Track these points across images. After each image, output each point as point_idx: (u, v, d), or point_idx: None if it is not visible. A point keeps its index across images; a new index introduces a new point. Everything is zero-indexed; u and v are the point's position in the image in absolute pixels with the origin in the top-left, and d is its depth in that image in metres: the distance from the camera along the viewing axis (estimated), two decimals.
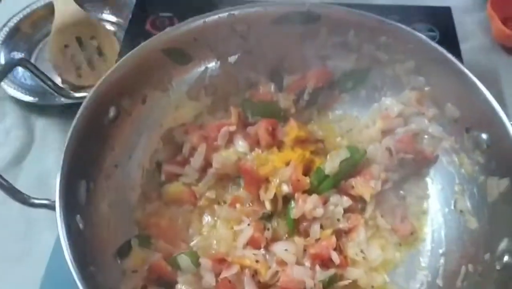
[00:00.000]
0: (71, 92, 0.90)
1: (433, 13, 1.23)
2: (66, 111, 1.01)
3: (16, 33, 1.28)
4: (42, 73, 0.87)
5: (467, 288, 0.81)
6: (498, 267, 0.76)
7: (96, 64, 1.23)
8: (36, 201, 0.78)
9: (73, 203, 0.79)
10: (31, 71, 0.85)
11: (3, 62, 1.22)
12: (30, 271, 0.94)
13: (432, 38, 1.05)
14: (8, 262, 0.97)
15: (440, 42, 0.95)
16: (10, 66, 0.91)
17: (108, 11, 1.35)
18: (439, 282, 0.86)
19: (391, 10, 1.10)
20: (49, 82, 0.87)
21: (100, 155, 0.90)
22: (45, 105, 1.16)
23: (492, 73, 1.21)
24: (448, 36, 1.18)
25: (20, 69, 1.15)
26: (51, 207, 0.76)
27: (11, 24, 1.28)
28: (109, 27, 1.32)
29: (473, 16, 1.33)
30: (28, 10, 1.30)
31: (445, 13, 1.24)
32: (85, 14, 1.20)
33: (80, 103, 0.84)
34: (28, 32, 1.30)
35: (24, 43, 1.29)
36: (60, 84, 1.21)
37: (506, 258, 0.75)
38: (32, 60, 1.29)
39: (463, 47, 1.16)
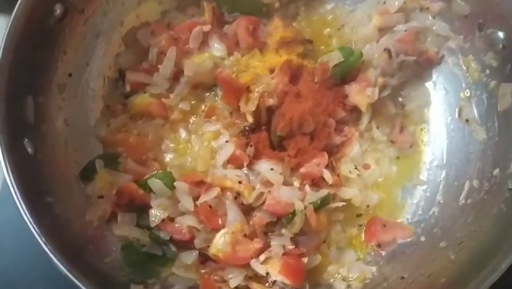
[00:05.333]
0: None
1: None
2: None
3: None
4: None
5: (471, 206, 0.74)
6: (510, 186, 0.69)
7: None
8: None
9: (19, 125, 0.68)
10: None
11: None
12: None
13: None
14: None
15: None
16: None
17: None
18: (440, 198, 0.79)
19: None
20: None
21: (48, 63, 0.76)
22: None
23: None
24: None
25: None
26: None
27: None
28: None
29: None
30: None
31: None
32: None
33: None
34: None
35: None
36: None
37: None
38: None
39: None
